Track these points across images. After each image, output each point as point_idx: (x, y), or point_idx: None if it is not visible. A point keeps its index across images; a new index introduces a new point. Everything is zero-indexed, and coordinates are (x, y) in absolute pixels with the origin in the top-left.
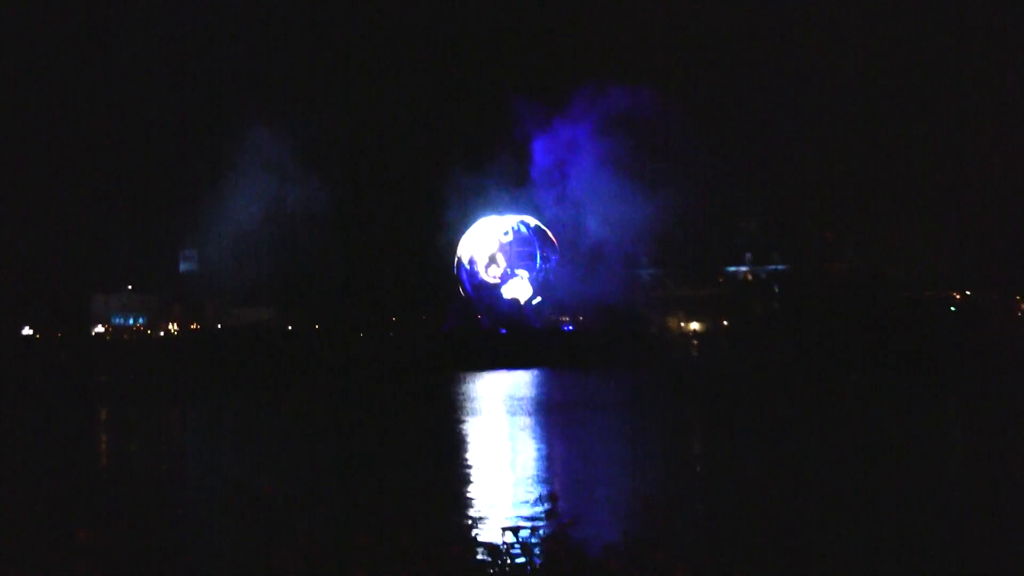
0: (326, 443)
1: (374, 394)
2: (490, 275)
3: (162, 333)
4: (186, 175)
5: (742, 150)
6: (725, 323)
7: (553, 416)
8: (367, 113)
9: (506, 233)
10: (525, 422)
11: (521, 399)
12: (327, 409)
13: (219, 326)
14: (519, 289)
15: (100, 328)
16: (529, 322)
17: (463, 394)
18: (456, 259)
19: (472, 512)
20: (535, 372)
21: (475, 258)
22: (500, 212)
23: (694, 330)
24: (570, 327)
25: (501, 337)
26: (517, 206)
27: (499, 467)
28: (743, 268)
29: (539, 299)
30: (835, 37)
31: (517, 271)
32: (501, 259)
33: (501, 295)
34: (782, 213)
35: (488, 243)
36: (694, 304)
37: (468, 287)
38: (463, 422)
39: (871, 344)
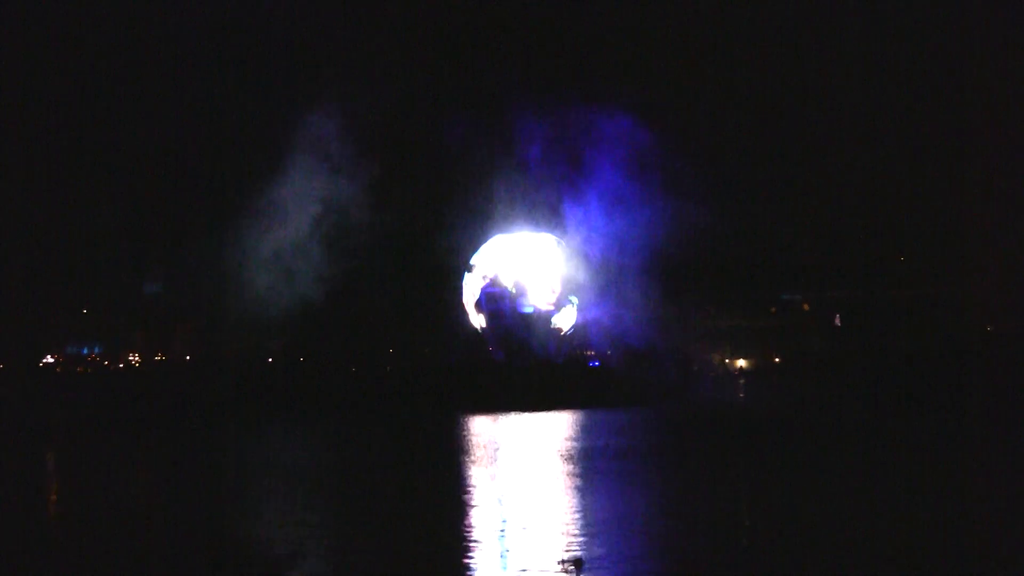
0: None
1: (368, 440)
2: (544, 301)
3: (121, 365)
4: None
5: (799, 161)
6: (777, 359)
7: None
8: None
9: (563, 253)
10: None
11: (551, 448)
12: (307, 455)
13: (187, 357)
14: (567, 318)
15: (49, 359)
16: (550, 356)
17: (484, 444)
18: (482, 282)
19: None
20: (562, 414)
21: (521, 283)
22: (518, 230)
23: (741, 367)
24: (596, 363)
25: (521, 372)
26: (535, 223)
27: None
28: (799, 296)
29: (570, 330)
30: (910, 51)
31: (571, 297)
32: (556, 282)
33: (542, 325)
34: (845, 233)
35: (533, 264)
36: (742, 337)
37: (504, 314)
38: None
39: (946, 383)
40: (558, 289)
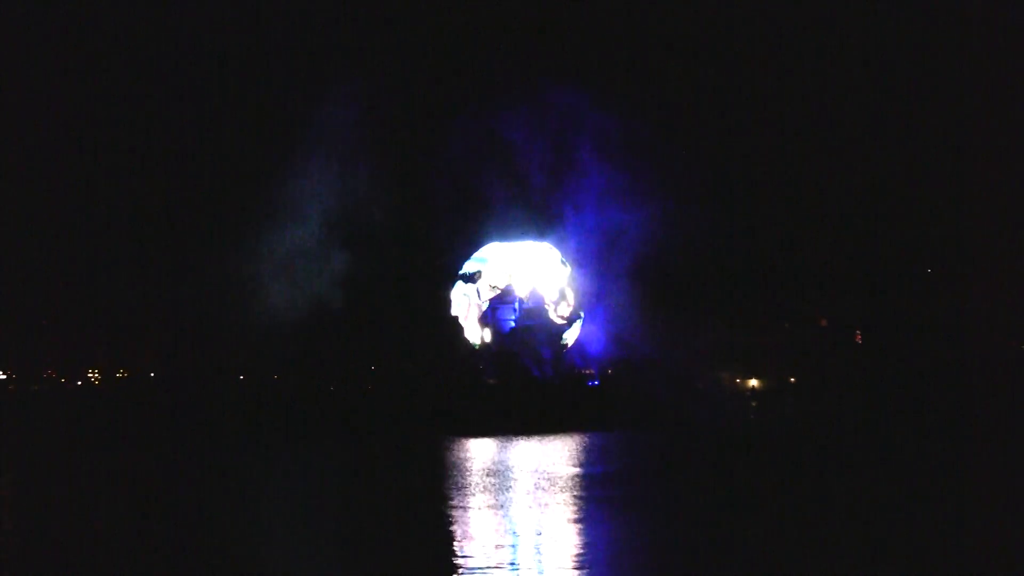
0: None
1: (347, 467)
2: (558, 314)
3: (79, 383)
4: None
5: (815, 161)
6: (792, 379)
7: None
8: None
9: (563, 263)
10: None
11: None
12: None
13: (152, 375)
14: (573, 333)
15: (1, 375)
16: (547, 378)
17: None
18: (490, 292)
19: None
20: (559, 439)
21: (538, 294)
22: (515, 238)
23: (753, 387)
24: (596, 382)
25: (514, 393)
26: (530, 230)
27: None
28: (816, 310)
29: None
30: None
31: (580, 311)
32: (570, 294)
33: (552, 342)
34: (867, 241)
35: (547, 274)
36: (753, 355)
37: (516, 330)
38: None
39: (978, 406)
40: (572, 302)
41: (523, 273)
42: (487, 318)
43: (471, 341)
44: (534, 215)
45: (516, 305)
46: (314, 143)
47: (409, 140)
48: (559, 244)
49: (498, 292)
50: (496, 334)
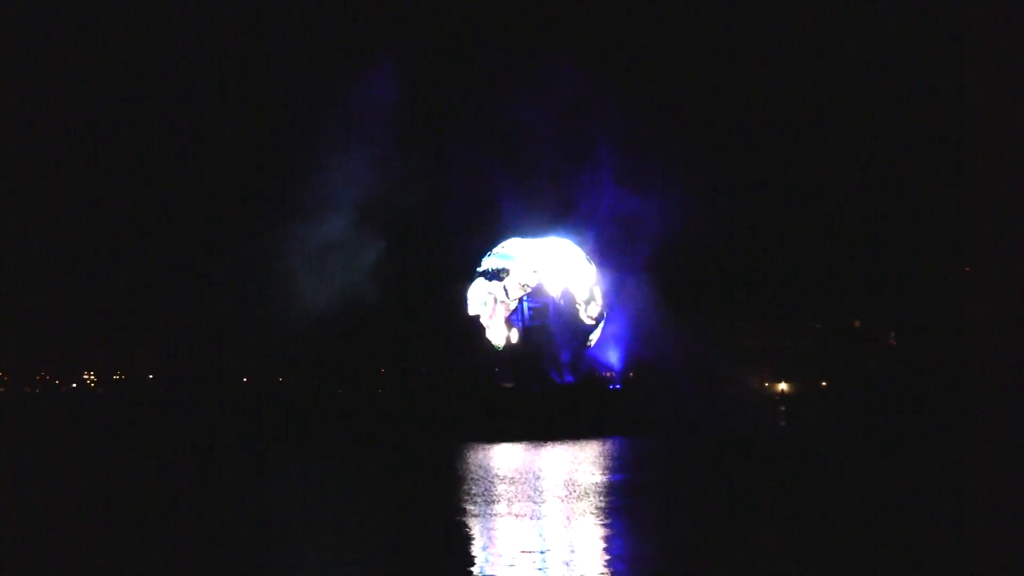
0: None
1: (360, 472)
2: (588, 315)
3: (74, 385)
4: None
5: (853, 162)
6: (823, 383)
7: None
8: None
9: (589, 261)
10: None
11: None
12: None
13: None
14: (596, 335)
15: None
16: (566, 381)
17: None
18: (520, 291)
19: None
20: (579, 444)
21: (571, 294)
22: (536, 234)
23: (782, 391)
24: (618, 385)
25: (534, 397)
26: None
27: None
28: (848, 311)
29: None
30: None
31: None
32: (598, 293)
33: (579, 343)
34: (903, 239)
35: (576, 272)
36: (783, 357)
37: (547, 331)
38: None
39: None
40: (600, 302)
41: (553, 271)
42: (517, 318)
43: (493, 342)
44: (555, 210)
45: (548, 304)
46: (323, 144)
47: (423, 134)
48: (581, 241)
49: (528, 290)
50: (525, 334)
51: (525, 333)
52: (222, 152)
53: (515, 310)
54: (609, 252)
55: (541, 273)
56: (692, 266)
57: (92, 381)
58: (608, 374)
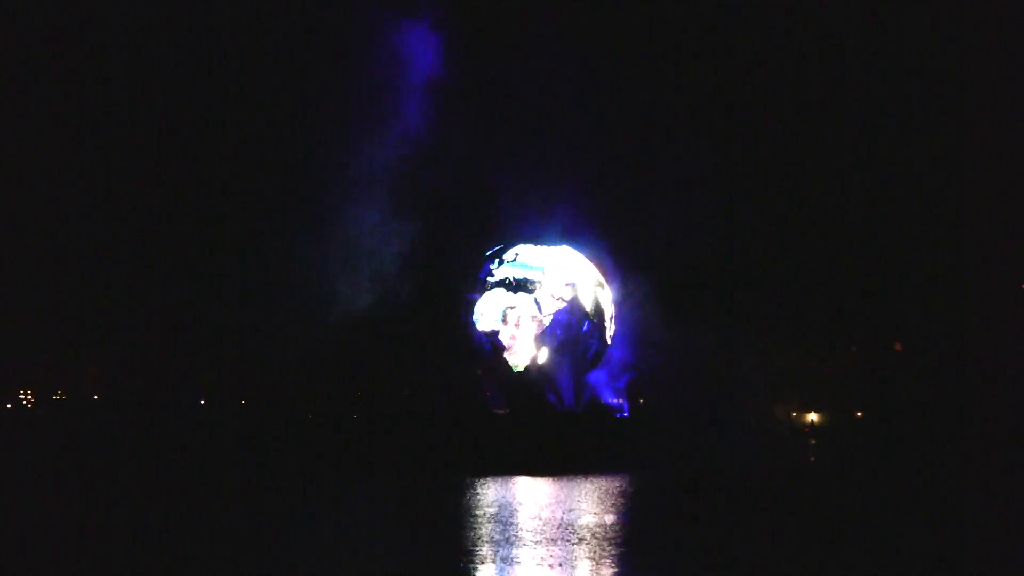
0: None
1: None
2: (609, 334)
3: (9, 405)
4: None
5: (894, 173)
6: (859, 413)
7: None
8: None
9: (604, 273)
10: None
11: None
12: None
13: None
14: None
15: None
16: (568, 407)
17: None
18: (555, 305)
19: None
20: (585, 479)
21: (602, 308)
22: (547, 242)
23: (812, 422)
24: (626, 413)
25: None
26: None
27: None
28: (887, 333)
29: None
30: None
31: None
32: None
33: (588, 364)
34: (950, 252)
35: (601, 285)
36: (813, 383)
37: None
38: None
39: None
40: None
41: (587, 283)
42: (549, 335)
43: (512, 363)
44: (562, 217)
45: (582, 321)
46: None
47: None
48: (593, 254)
49: (564, 304)
50: (557, 354)
51: (553, 353)
52: (216, 151)
53: (547, 327)
54: (621, 265)
55: (578, 286)
56: (712, 283)
57: (29, 402)
58: (616, 400)
